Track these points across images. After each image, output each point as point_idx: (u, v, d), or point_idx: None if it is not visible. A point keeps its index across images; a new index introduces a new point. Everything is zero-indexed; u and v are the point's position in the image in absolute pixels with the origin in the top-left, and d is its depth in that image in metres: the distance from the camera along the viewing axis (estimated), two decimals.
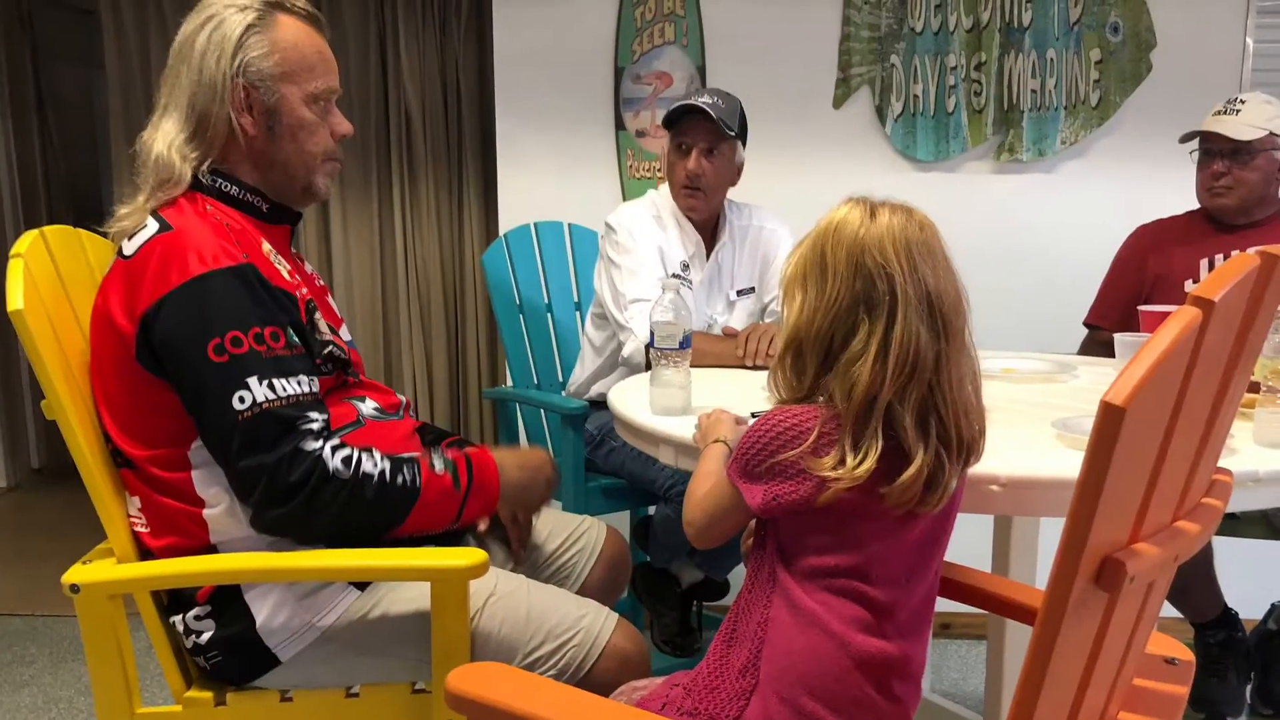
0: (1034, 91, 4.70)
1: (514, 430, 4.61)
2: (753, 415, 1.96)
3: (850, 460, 1.70)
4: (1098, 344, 4.00)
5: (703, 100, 3.79)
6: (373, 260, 5.28)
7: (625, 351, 3.78)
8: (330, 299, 2.70)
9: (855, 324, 1.72)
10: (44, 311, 2.26)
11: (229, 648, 2.34)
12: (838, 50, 4.76)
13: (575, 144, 4.91)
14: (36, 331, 2.20)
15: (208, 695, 2.39)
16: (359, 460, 2.25)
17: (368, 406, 2.54)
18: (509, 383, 4.57)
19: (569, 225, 4.74)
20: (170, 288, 2.19)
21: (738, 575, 2.99)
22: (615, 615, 2.44)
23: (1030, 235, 4.79)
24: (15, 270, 2.23)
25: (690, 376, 2.69)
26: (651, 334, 2.68)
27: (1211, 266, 3.84)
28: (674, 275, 3.87)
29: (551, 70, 4.88)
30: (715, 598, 4.15)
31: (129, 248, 2.27)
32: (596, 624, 2.39)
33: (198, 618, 2.34)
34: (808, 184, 4.71)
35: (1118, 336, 3.11)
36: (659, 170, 4.83)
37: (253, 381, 2.18)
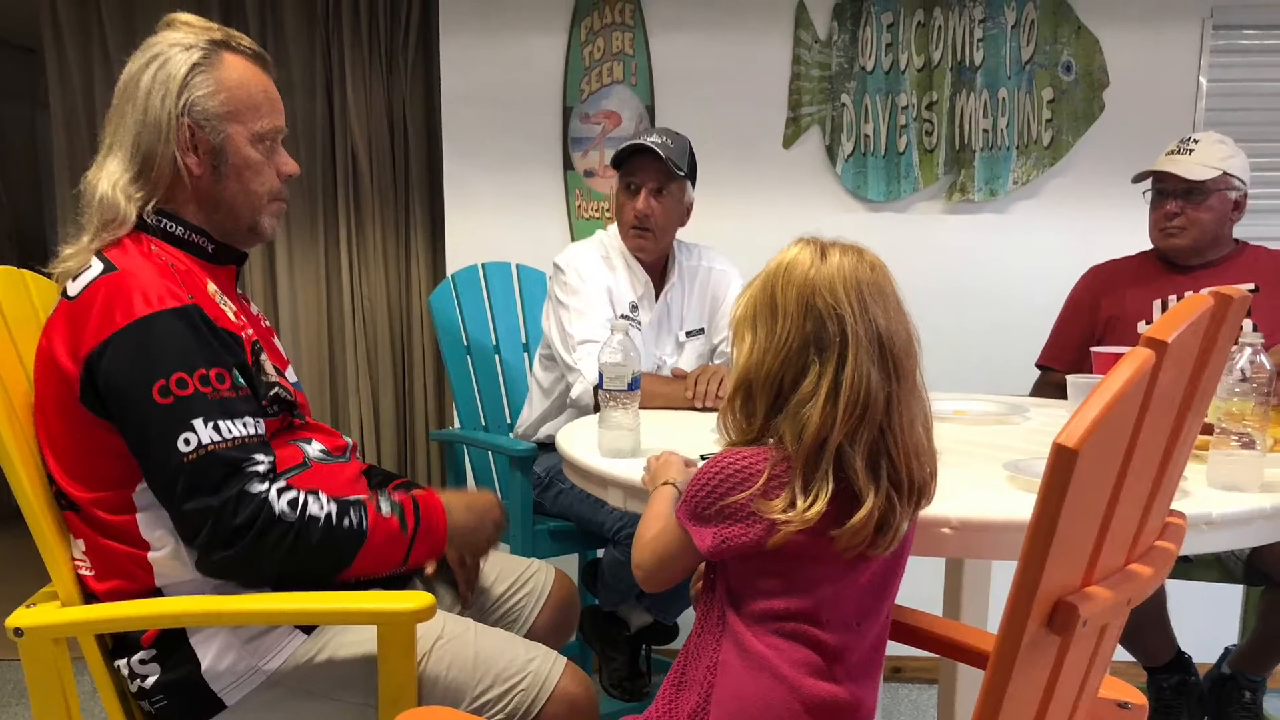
0: (986, 131, 4.72)
1: (461, 472, 4.58)
2: (702, 457, 1.95)
3: (800, 503, 1.69)
4: (1050, 385, 4.00)
5: (652, 140, 3.78)
6: (319, 301, 5.24)
7: (574, 393, 3.75)
8: (276, 340, 2.68)
9: (805, 365, 1.72)
10: None
11: (174, 692, 2.31)
12: (788, 89, 4.77)
13: (523, 184, 4.90)
14: None
15: None
16: (305, 503, 2.23)
17: (314, 448, 2.52)
18: (456, 424, 4.55)
19: (517, 266, 4.72)
20: (115, 329, 2.17)
21: (687, 618, 2.97)
22: (563, 659, 2.43)
23: (982, 276, 4.80)
24: None
25: (639, 418, 2.67)
26: (600, 375, 2.67)
27: (1165, 307, 3.84)
28: (623, 316, 3.86)
29: (499, 110, 4.87)
30: (664, 641, 4.12)
31: (73, 288, 2.24)
32: (545, 667, 2.37)
33: (143, 661, 2.31)
34: (758, 224, 4.71)
35: (1070, 378, 3.10)
36: (607, 210, 4.82)
37: (198, 423, 2.16)
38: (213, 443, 2.16)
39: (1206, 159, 3.73)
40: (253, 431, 2.25)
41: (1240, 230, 3.89)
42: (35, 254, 2.63)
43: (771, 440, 1.78)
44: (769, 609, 1.78)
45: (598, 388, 2.72)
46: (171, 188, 2.37)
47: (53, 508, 2.32)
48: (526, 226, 4.91)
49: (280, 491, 2.21)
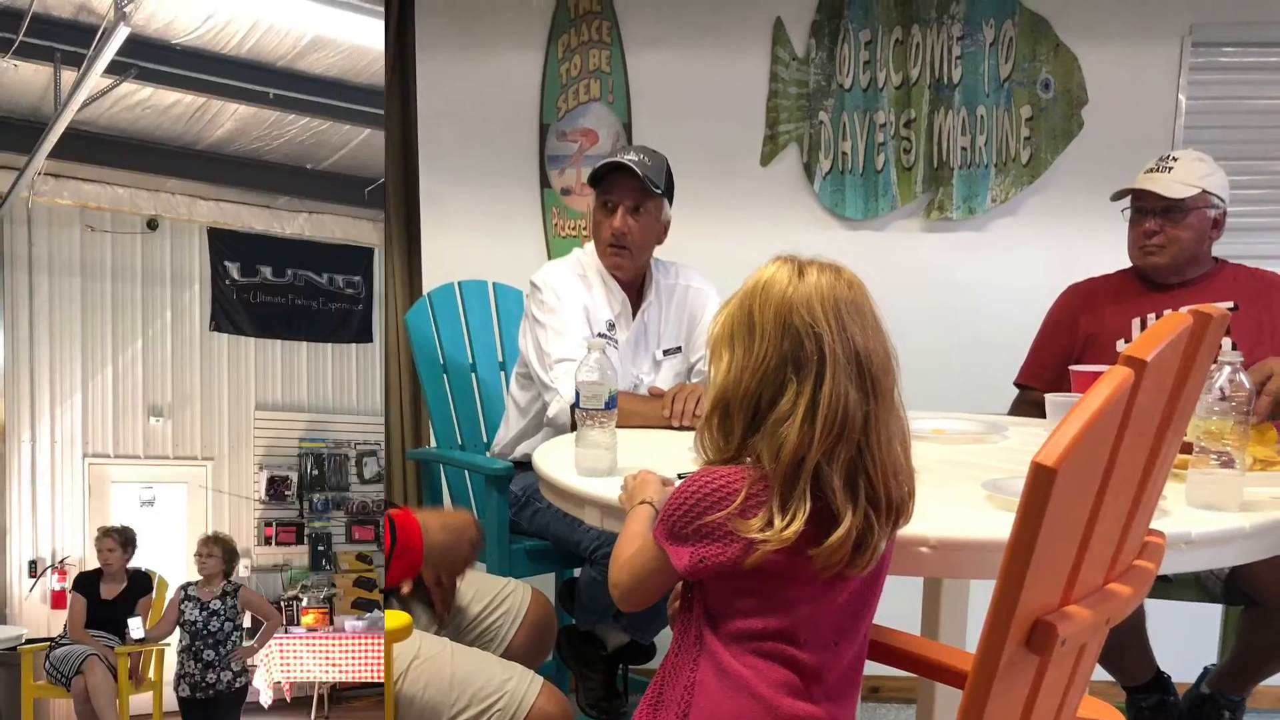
0: (964, 149, 4.72)
1: (438, 491, 4.56)
2: (679, 476, 1.94)
3: (778, 522, 1.68)
4: (1029, 404, 3.99)
5: (629, 158, 3.77)
6: None
7: (550, 412, 3.74)
8: None
9: (783, 384, 1.71)
10: None
11: None
12: (765, 107, 4.77)
13: (500, 201, 4.90)
14: None
15: None
16: None
17: None
18: (433, 443, 4.54)
19: (493, 284, 4.71)
20: None
21: (664, 638, 2.95)
22: (540, 678, 2.45)
23: (960, 294, 4.80)
24: None
25: (616, 437, 2.66)
26: (577, 394, 2.65)
27: (1143, 326, 3.83)
28: (599, 334, 3.85)
29: (476, 127, 4.87)
30: (641, 661, 4.10)
31: None
32: (521, 687, 2.38)
33: None
34: (735, 242, 4.66)
35: (1049, 397, 3.10)
36: (585, 228, 4.82)
37: None
38: None
39: (1185, 177, 3.72)
40: None
41: (1219, 248, 3.88)
42: None
43: (749, 459, 1.77)
44: (746, 628, 1.77)
45: (574, 406, 2.70)
46: None
47: None
48: (503, 244, 4.91)
49: None
